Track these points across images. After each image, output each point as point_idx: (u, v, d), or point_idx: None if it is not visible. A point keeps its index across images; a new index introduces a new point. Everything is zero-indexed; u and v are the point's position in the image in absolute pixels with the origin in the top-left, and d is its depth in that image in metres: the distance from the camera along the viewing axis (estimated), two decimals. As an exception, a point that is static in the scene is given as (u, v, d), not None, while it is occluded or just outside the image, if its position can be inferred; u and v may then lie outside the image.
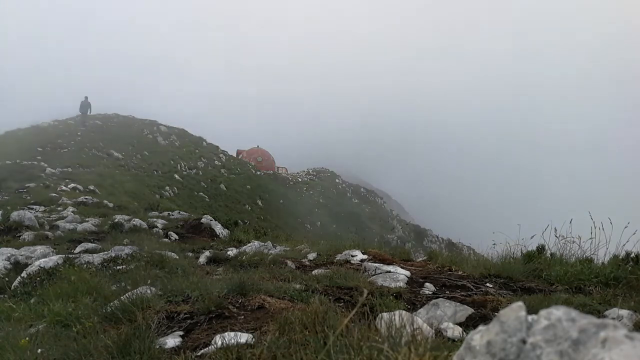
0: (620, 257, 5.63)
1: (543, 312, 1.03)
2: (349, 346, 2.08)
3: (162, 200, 29.99)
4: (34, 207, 18.14)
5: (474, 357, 1.09)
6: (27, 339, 3.41)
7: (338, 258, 7.23)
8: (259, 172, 63.41)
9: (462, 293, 4.95)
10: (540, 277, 5.66)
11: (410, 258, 7.40)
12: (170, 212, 19.53)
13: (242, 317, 3.87)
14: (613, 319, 2.44)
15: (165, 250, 8.12)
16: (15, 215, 13.22)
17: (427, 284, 5.39)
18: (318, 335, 2.54)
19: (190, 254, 8.95)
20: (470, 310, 4.06)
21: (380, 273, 5.71)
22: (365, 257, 7.01)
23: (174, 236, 12.91)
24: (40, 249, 8.71)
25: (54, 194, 22.57)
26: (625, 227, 6.02)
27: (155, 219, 16.04)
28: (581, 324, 0.96)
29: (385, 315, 2.84)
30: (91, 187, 27.16)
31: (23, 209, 14.82)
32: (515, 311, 1.08)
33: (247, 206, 45.43)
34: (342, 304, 4.36)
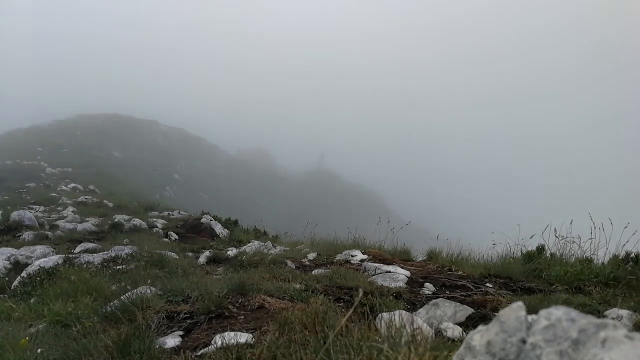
0: (620, 257, 5.63)
1: (543, 312, 1.03)
2: (348, 346, 2.07)
3: (162, 200, 29.99)
4: (34, 207, 18.16)
5: (474, 357, 1.09)
6: (27, 338, 3.41)
7: (338, 258, 7.23)
8: (259, 172, 63.42)
9: (462, 293, 4.95)
10: (540, 277, 5.66)
11: (410, 258, 7.39)
12: (170, 212, 19.54)
13: (242, 317, 3.87)
14: (613, 319, 2.44)
15: (165, 250, 8.12)
16: (15, 215, 13.23)
17: (427, 284, 5.39)
18: (318, 335, 2.54)
19: (190, 254, 8.96)
20: (470, 310, 4.06)
21: (380, 273, 5.71)
22: (365, 257, 7.01)
23: (174, 236, 12.92)
24: (40, 248, 8.72)
25: (54, 194, 22.61)
26: (625, 227, 6.01)
27: (155, 219, 16.05)
28: (581, 324, 0.96)
29: (385, 315, 2.84)
30: (91, 187, 27.20)
31: (23, 209, 14.83)
32: (515, 311, 1.08)
33: (247, 206, 45.46)
34: (342, 304, 4.36)
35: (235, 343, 2.85)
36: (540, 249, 6.35)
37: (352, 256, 7.11)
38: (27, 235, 11.69)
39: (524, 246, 6.65)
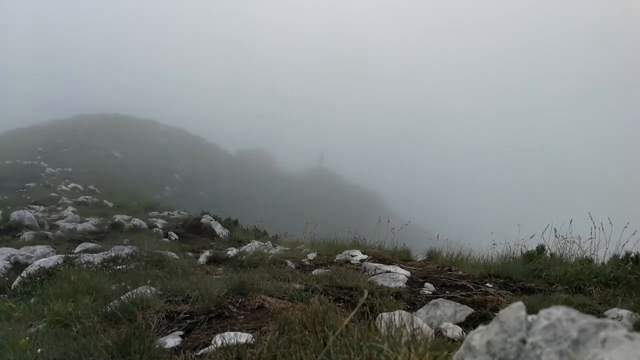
0: (620, 257, 5.63)
1: (543, 312, 1.03)
2: (348, 346, 2.07)
3: (162, 200, 30.00)
4: (34, 206, 18.17)
5: (474, 357, 1.09)
6: (27, 338, 3.41)
7: (338, 258, 7.22)
8: (259, 172, 63.45)
9: (462, 293, 4.95)
10: (540, 277, 5.66)
11: (410, 258, 7.40)
12: (170, 212, 19.56)
13: (242, 317, 3.87)
14: (613, 319, 2.44)
15: (165, 250, 8.12)
16: (15, 215, 13.23)
17: (427, 283, 5.39)
18: (318, 335, 2.54)
19: (190, 254, 8.96)
20: (470, 310, 4.06)
21: (380, 273, 5.71)
22: (365, 257, 7.01)
23: (174, 236, 12.93)
24: (40, 248, 8.72)
25: (54, 194, 22.61)
26: (625, 227, 6.01)
27: (155, 219, 16.07)
28: (581, 324, 0.96)
29: (385, 315, 2.84)
30: (91, 187, 27.21)
31: (23, 209, 14.84)
32: (515, 311, 1.08)
33: (248, 206, 45.47)
34: (342, 303, 4.36)
35: (235, 343, 2.85)
36: (540, 249, 6.36)
37: (352, 256, 7.11)
38: (27, 235, 11.70)
39: (524, 246, 6.66)
